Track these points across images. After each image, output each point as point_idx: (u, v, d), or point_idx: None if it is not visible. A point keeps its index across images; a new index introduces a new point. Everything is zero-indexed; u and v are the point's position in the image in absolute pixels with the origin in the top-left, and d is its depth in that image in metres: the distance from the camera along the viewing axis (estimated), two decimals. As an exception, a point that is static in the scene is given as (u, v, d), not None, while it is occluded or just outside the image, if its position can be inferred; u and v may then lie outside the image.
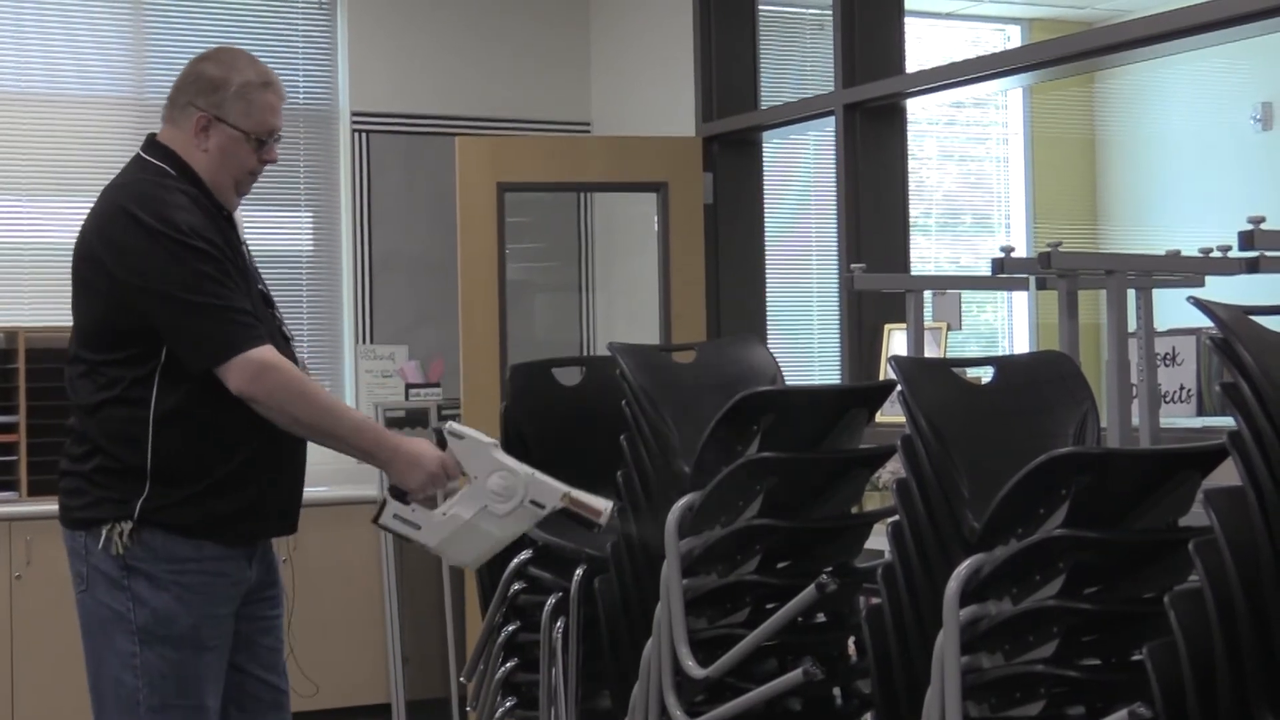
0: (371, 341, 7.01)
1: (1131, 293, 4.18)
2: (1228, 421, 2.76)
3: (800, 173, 8.23)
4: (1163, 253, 4.31)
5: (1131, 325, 4.21)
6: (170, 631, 3.38)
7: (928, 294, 5.74)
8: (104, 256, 3.37)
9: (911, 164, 6.62)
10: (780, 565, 3.82)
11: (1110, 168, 9.38)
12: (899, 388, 3.53)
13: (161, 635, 3.38)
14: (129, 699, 3.40)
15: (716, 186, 7.02)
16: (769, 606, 3.78)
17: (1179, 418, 4.85)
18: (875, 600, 3.52)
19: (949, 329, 6.07)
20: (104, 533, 3.37)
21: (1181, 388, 4.91)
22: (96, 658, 3.46)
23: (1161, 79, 8.74)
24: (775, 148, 7.57)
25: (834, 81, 6.36)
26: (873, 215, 6.28)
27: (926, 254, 8.89)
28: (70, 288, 3.50)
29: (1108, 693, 3.17)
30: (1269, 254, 3.86)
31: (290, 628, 6.11)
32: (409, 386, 7.02)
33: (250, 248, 3.64)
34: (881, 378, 5.82)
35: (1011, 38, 9.07)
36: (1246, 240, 3.43)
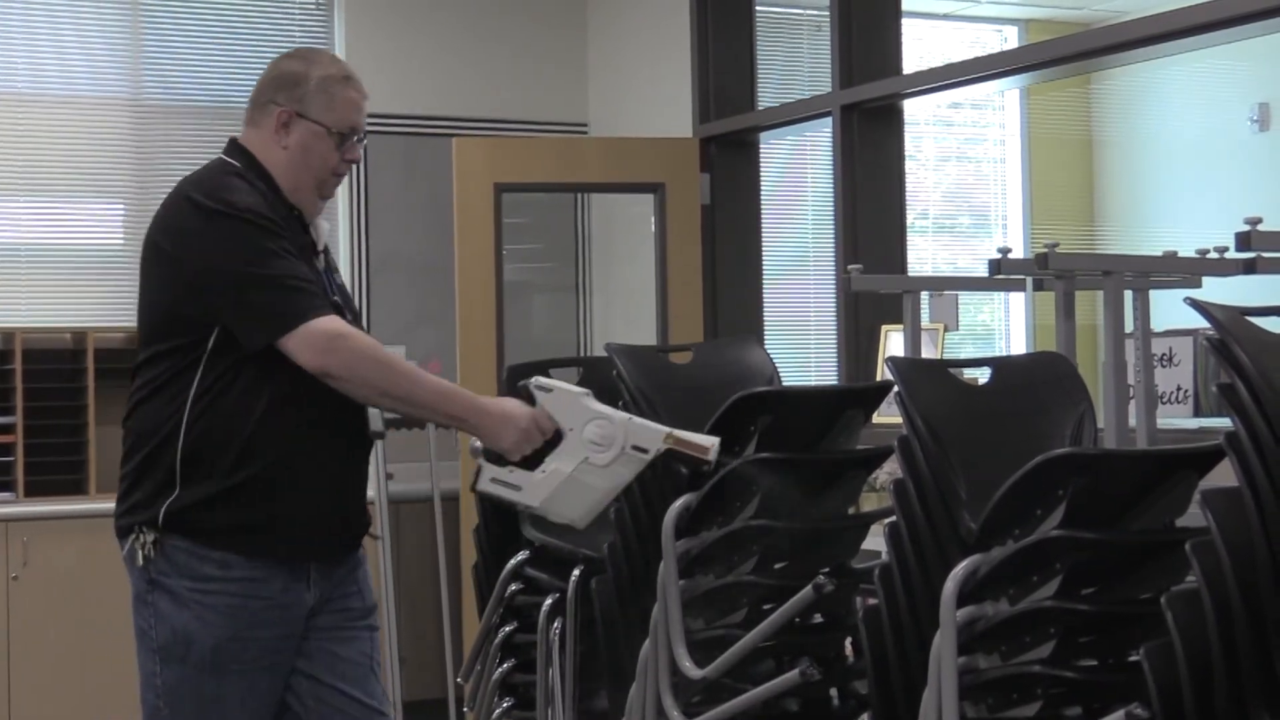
0: (369, 341, 7.01)
1: (1128, 294, 4.18)
2: (1224, 422, 2.77)
3: (797, 174, 8.23)
4: (1160, 254, 4.32)
5: (1128, 326, 4.21)
6: (187, 653, 3.22)
7: (925, 295, 5.74)
8: (163, 243, 3.27)
9: (909, 165, 6.63)
10: (777, 566, 3.82)
11: (1107, 169, 9.39)
12: (896, 389, 3.53)
13: (179, 656, 3.22)
14: (154, 716, 3.28)
15: (714, 187, 7.02)
16: (766, 607, 3.78)
17: (1176, 418, 4.85)
18: (872, 601, 3.52)
19: (946, 330, 6.07)
20: (129, 543, 3.25)
21: (1178, 388, 4.91)
22: (139, 675, 3.33)
23: (1159, 80, 8.75)
24: (772, 149, 7.57)
25: (831, 82, 6.36)
26: (870, 216, 6.28)
27: (923, 255, 8.90)
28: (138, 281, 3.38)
29: (1105, 693, 3.17)
30: (1266, 255, 3.86)
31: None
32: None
33: (332, 259, 3.53)
34: (878, 379, 5.81)
35: (1009, 38, 9.07)
36: (1243, 241, 3.44)
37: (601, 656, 4.10)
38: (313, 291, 3.21)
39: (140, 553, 3.21)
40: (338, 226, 6.93)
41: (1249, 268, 4.00)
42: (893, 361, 3.65)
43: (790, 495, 3.73)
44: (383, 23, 7.12)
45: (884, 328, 6.14)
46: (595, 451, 3.20)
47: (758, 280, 7.14)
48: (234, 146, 3.42)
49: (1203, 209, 8.19)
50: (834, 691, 3.93)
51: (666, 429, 3.22)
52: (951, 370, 3.77)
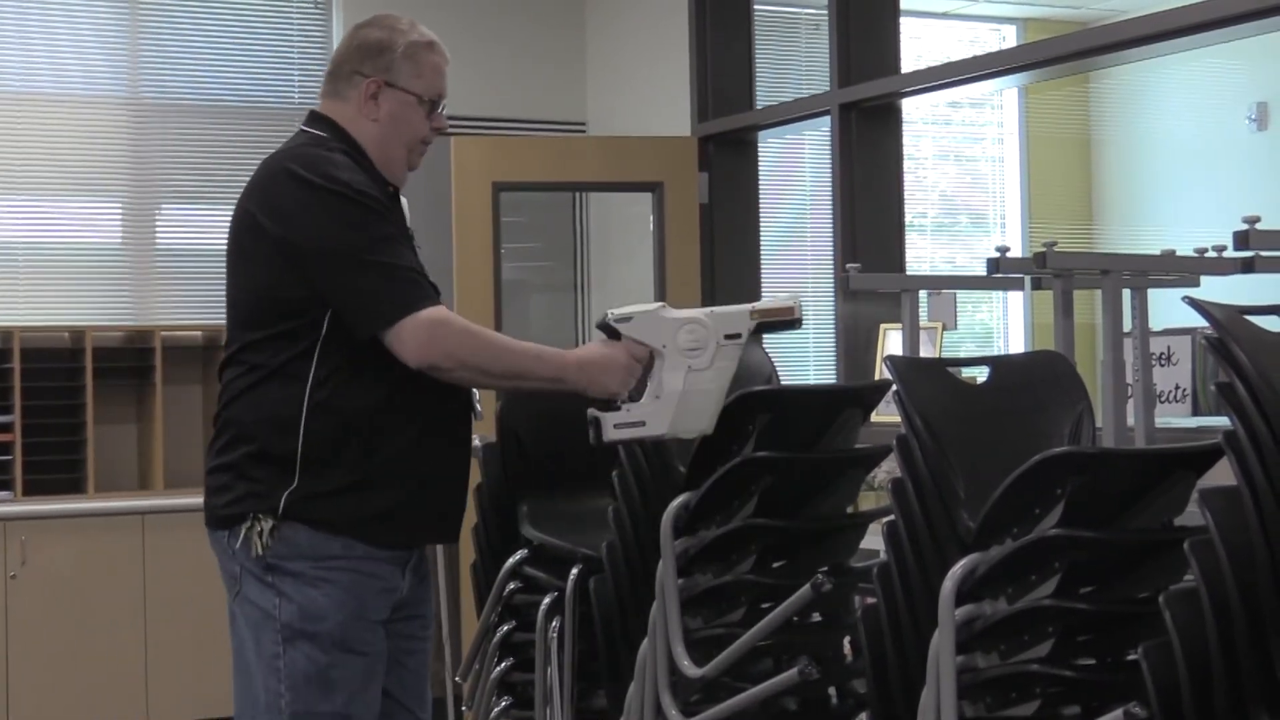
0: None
1: (1127, 292, 4.19)
2: (1223, 421, 2.77)
3: (796, 172, 8.23)
4: (1158, 252, 4.32)
5: (1127, 325, 4.21)
6: (317, 629, 3.11)
7: (923, 294, 5.74)
8: (263, 220, 3.12)
9: (907, 164, 6.63)
10: (776, 565, 3.82)
11: (1105, 167, 9.39)
12: (894, 388, 3.53)
13: (308, 633, 3.11)
14: (270, 706, 3.15)
15: (712, 186, 7.03)
16: (764, 606, 3.78)
17: (1174, 417, 4.85)
18: (871, 600, 3.52)
19: (944, 329, 6.07)
20: (243, 531, 3.11)
21: (1177, 387, 4.91)
22: (245, 670, 3.21)
23: (1157, 79, 8.75)
24: (771, 147, 7.57)
25: (829, 81, 6.36)
26: (868, 215, 6.28)
27: (922, 254, 8.90)
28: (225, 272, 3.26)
29: (1103, 693, 3.17)
30: (1264, 254, 3.86)
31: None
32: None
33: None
34: (877, 377, 5.81)
35: (1007, 37, 9.07)
36: (1241, 240, 3.44)
37: (600, 655, 4.10)
38: (420, 282, 3.11)
39: (257, 540, 3.09)
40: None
41: (1247, 266, 4.00)
42: (891, 360, 3.65)
43: (789, 494, 3.73)
44: (381, 22, 7.11)
45: (882, 326, 6.14)
46: (694, 357, 3.13)
47: (756, 279, 7.14)
48: (318, 119, 3.29)
49: (1201, 208, 8.19)
50: (832, 690, 3.94)
51: (748, 306, 3.17)
52: (950, 369, 3.77)
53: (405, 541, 3.20)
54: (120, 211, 6.98)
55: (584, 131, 7.69)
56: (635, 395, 3.15)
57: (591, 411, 3.13)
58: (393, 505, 3.13)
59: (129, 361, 6.62)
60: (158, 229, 6.84)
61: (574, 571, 4.16)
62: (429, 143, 3.32)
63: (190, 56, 6.98)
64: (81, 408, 6.43)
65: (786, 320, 3.16)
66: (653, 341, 3.13)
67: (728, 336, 3.13)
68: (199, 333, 6.67)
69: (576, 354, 3.16)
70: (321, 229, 3.07)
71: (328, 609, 3.10)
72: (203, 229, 6.82)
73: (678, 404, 3.12)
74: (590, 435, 3.12)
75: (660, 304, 3.18)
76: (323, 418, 3.08)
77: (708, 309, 3.16)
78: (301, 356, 3.09)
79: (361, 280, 3.05)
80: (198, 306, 6.81)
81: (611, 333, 3.14)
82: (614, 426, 3.12)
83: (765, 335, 3.25)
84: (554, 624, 4.22)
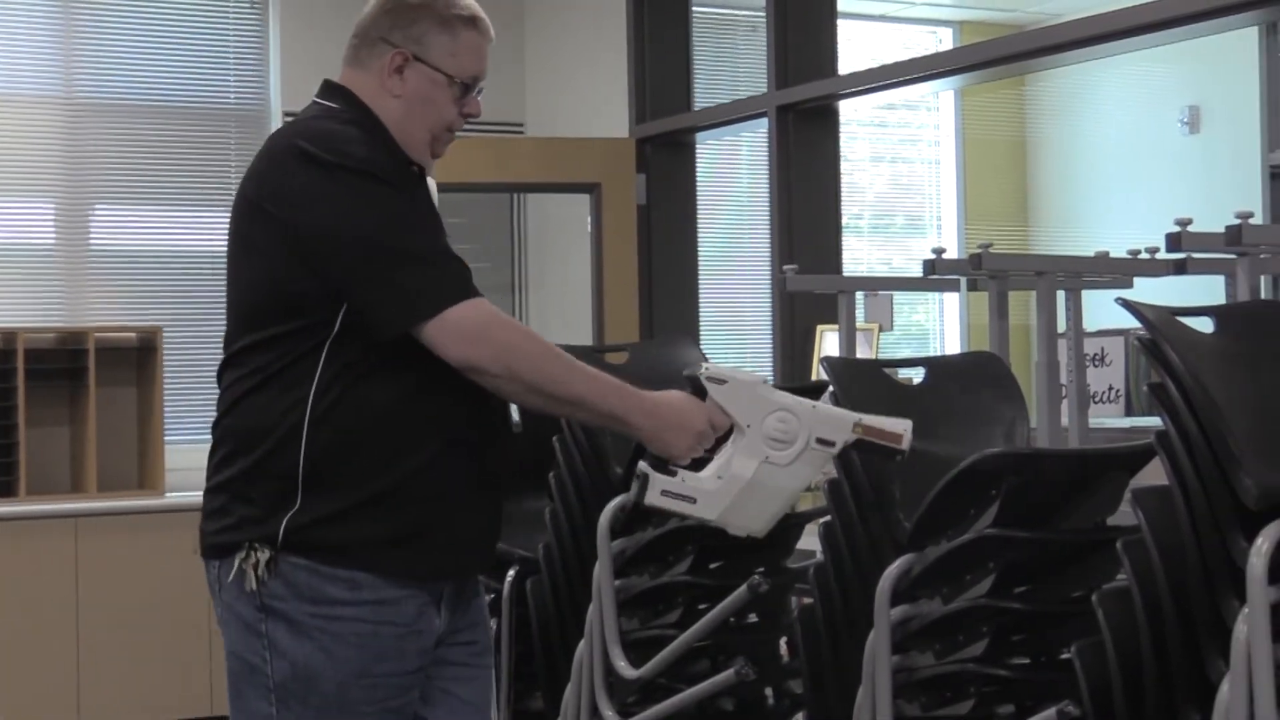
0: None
1: (1061, 294, 4.21)
2: (1155, 422, 2.79)
3: (733, 174, 8.25)
4: (1092, 254, 4.35)
5: (1061, 326, 4.24)
6: (308, 692, 2.66)
7: (859, 295, 5.76)
8: (268, 204, 2.69)
9: (844, 165, 6.65)
10: (712, 566, 3.83)
11: (1040, 170, 9.44)
12: (831, 388, 3.55)
13: (300, 696, 2.66)
14: None
15: (650, 187, 7.03)
16: (701, 607, 3.79)
17: (1108, 418, 4.88)
18: (807, 600, 3.53)
19: (881, 330, 6.10)
20: (235, 563, 2.65)
21: (1110, 388, 4.95)
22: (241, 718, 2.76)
23: (1091, 82, 8.81)
24: (708, 149, 7.58)
25: (767, 83, 6.38)
26: (805, 216, 6.30)
27: (859, 255, 8.92)
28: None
29: (1037, 691, 3.19)
30: (1196, 256, 3.90)
31: (211, 635, 6.11)
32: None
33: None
34: (813, 378, 5.83)
35: (943, 40, 9.11)
36: (1174, 242, 3.46)
37: (537, 657, 4.10)
38: (458, 269, 2.68)
39: (251, 574, 2.64)
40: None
41: (1179, 268, 4.03)
42: (827, 361, 3.66)
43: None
44: (317, 22, 7.08)
45: (819, 327, 6.16)
46: (776, 449, 2.69)
47: (694, 280, 7.15)
48: (333, 90, 2.86)
49: (1134, 210, 8.25)
50: (769, 691, 3.95)
51: (854, 416, 2.72)
52: (886, 370, 3.79)
53: (425, 573, 2.71)
54: (54, 211, 6.91)
55: (522, 132, 7.68)
56: (696, 465, 2.72)
57: (643, 466, 2.69)
58: (408, 530, 2.67)
59: (62, 363, 6.56)
60: (91, 229, 6.78)
61: (511, 573, 4.16)
62: (455, 130, 2.89)
63: (125, 56, 6.92)
64: (13, 409, 6.36)
65: (891, 449, 2.72)
66: (739, 416, 2.70)
67: (820, 440, 2.70)
68: (133, 334, 6.62)
69: (652, 397, 2.70)
70: (337, 212, 2.64)
71: (323, 668, 2.65)
72: (137, 230, 6.76)
73: (738, 494, 2.69)
74: (633, 489, 2.70)
75: (762, 378, 2.77)
76: (328, 427, 2.64)
77: (811, 403, 2.74)
78: (306, 357, 2.66)
79: (389, 269, 2.62)
80: (132, 308, 6.75)
81: (698, 389, 2.72)
82: (661, 492, 2.68)
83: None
84: (491, 626, 4.22)
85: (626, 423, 2.68)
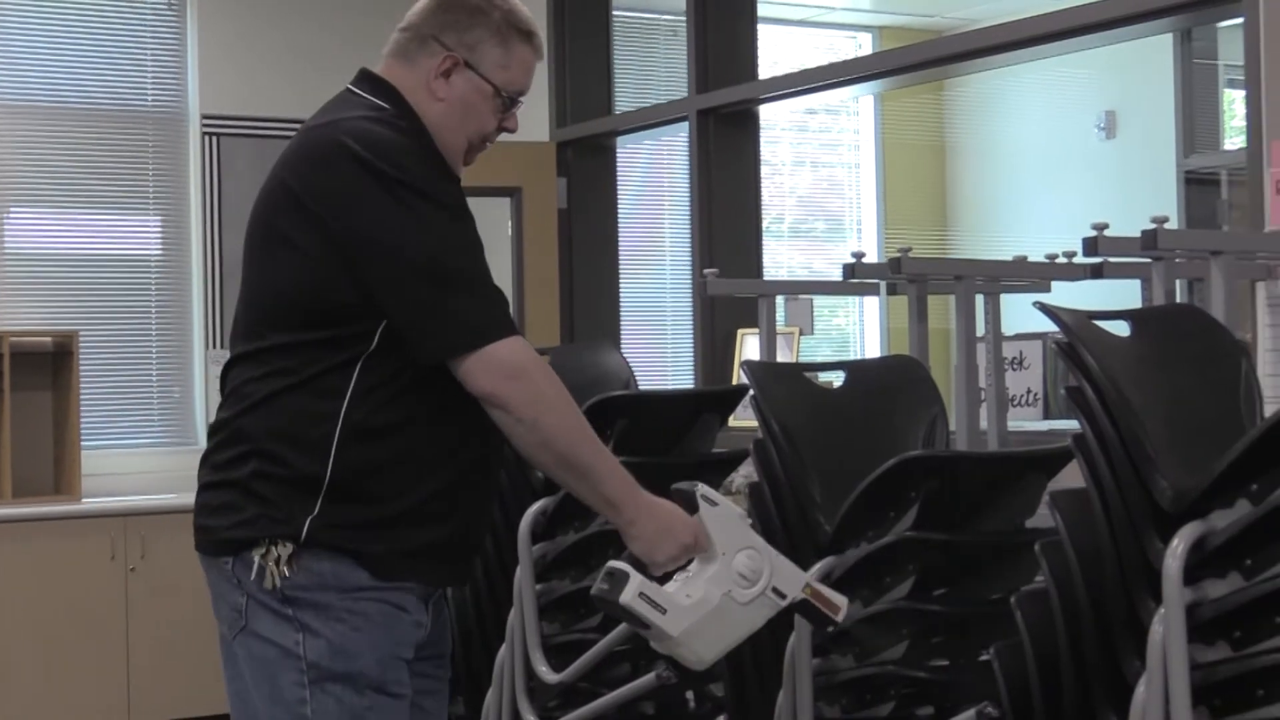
0: (222, 346, 6.92)
1: (980, 298, 4.24)
2: (1073, 425, 2.81)
3: (655, 178, 8.25)
4: (1010, 258, 4.37)
5: (980, 330, 4.26)
6: (351, 668, 2.61)
7: (780, 299, 5.78)
8: (316, 207, 2.58)
9: (764, 170, 6.67)
10: (634, 569, 3.83)
11: (959, 174, 9.51)
12: (751, 392, 3.55)
13: (340, 673, 2.60)
14: None
15: (570, 191, 7.03)
16: (622, 611, 3.78)
17: (1026, 421, 4.92)
18: (728, 604, 3.53)
19: (801, 334, 6.12)
20: (256, 559, 2.60)
21: (1028, 391, 4.98)
22: (269, 711, 2.67)
23: (1009, 87, 8.87)
24: (630, 153, 7.59)
25: (687, 87, 6.39)
26: (726, 220, 6.31)
27: (779, 259, 8.95)
28: (253, 251, 2.73)
29: (956, 693, 3.21)
30: (1112, 260, 3.93)
31: (140, 640, 6.06)
32: (260, 392, 6.94)
33: None
34: (734, 382, 5.84)
35: (863, 45, 9.15)
36: (1090, 247, 3.49)
37: (458, 662, 4.08)
38: (502, 301, 2.63)
39: (273, 569, 2.59)
40: (188, 230, 6.84)
41: (1096, 272, 4.07)
42: (748, 365, 3.67)
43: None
44: (236, 24, 7.04)
45: (740, 331, 6.17)
46: (741, 585, 2.66)
47: (614, 284, 7.15)
48: (377, 84, 2.75)
49: (1052, 215, 8.31)
50: (690, 694, 3.95)
51: (806, 576, 2.73)
52: (806, 374, 3.80)
53: (431, 581, 2.72)
54: (-32, 214, 6.84)
55: (442, 136, 7.65)
56: (662, 578, 2.67)
57: (621, 565, 2.62)
58: (423, 545, 2.65)
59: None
60: (6, 233, 6.70)
61: (431, 578, 4.14)
62: (490, 142, 2.83)
63: (40, 57, 6.85)
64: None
65: (827, 618, 2.73)
66: (719, 543, 2.66)
67: (775, 590, 2.68)
68: (49, 339, 6.54)
69: (649, 496, 2.66)
70: (393, 230, 2.56)
71: (362, 646, 2.61)
72: (53, 233, 6.69)
73: (703, 618, 2.63)
74: (602, 584, 2.61)
75: (745, 513, 2.76)
76: (358, 444, 2.59)
77: (775, 551, 2.72)
78: (340, 369, 2.59)
79: (440, 296, 2.55)
80: (47, 312, 6.68)
81: (689, 503, 2.68)
82: (639, 595, 2.60)
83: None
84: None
85: (621, 512, 2.63)
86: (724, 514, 2.68)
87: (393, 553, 2.61)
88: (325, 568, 2.59)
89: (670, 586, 2.63)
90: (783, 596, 2.68)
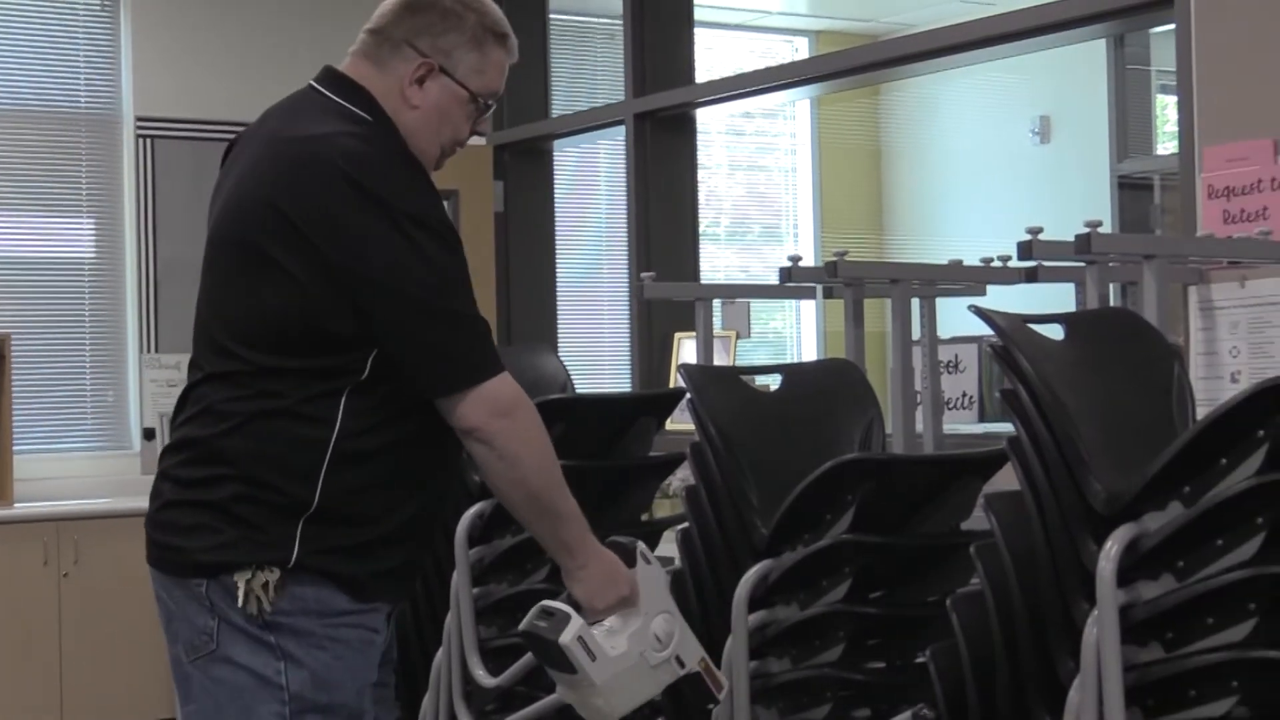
0: (156, 350, 6.88)
1: (915, 301, 4.25)
2: (1008, 427, 2.82)
3: (592, 181, 8.25)
4: (946, 262, 4.39)
5: (915, 333, 4.28)
6: (333, 699, 2.57)
7: (717, 302, 5.78)
8: (316, 237, 2.49)
9: (701, 173, 6.68)
10: (571, 573, 3.82)
11: (895, 178, 9.54)
12: (688, 396, 3.56)
13: (322, 704, 2.56)
14: None
15: (507, 194, 7.02)
16: (560, 614, 3.77)
17: (962, 424, 4.94)
18: (665, 607, 3.53)
19: (738, 337, 6.13)
20: (241, 584, 2.52)
21: (964, 394, 5.00)
22: None
23: (945, 92, 8.92)
24: (566, 156, 7.59)
25: (624, 91, 6.39)
26: (663, 224, 6.32)
27: (716, 263, 8.97)
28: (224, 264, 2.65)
29: (892, 694, 3.22)
30: (1046, 264, 3.95)
31: (74, 646, 6.01)
32: (195, 396, 6.90)
33: None
34: (671, 385, 5.85)
35: (799, 49, 9.18)
36: (1025, 250, 3.51)
37: (394, 665, 4.06)
38: (490, 334, 2.62)
39: (260, 594, 2.52)
40: (122, 232, 6.79)
41: (1031, 276, 4.09)
42: (685, 369, 3.67)
43: (585, 501, 3.72)
44: (170, 25, 6.99)
45: (677, 335, 6.18)
46: (654, 647, 2.68)
47: (551, 287, 7.15)
48: (352, 90, 2.66)
49: (987, 218, 8.36)
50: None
51: (702, 651, 2.75)
52: (743, 377, 3.81)
53: (398, 597, 2.73)
54: (-102, 217, 6.77)
55: (378, 139, 7.62)
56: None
57: (560, 606, 2.64)
58: (397, 564, 2.64)
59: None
60: (-64, 235, 6.66)
61: (368, 582, 4.13)
62: (462, 146, 2.78)
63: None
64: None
65: (711, 696, 2.77)
66: (645, 602, 2.69)
67: (678, 658, 2.71)
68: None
69: (597, 546, 2.67)
70: (396, 266, 2.50)
71: (343, 676, 2.58)
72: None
73: (624, 672, 2.65)
74: (538, 620, 2.66)
75: (666, 575, 2.82)
76: (347, 469, 2.55)
77: (683, 621, 2.75)
78: (328, 396, 2.54)
79: (437, 331, 2.54)
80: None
81: (629, 558, 2.70)
82: (577, 637, 2.61)
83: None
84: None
85: (574, 557, 2.64)
86: (655, 575, 2.72)
87: (370, 574, 2.58)
88: (308, 593, 2.54)
89: (602, 636, 2.64)
90: (682, 665, 2.71)
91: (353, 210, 2.49)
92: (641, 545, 2.72)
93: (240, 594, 2.52)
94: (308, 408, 2.53)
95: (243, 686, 2.56)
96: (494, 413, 2.53)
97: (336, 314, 2.51)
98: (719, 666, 2.85)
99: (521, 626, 2.68)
